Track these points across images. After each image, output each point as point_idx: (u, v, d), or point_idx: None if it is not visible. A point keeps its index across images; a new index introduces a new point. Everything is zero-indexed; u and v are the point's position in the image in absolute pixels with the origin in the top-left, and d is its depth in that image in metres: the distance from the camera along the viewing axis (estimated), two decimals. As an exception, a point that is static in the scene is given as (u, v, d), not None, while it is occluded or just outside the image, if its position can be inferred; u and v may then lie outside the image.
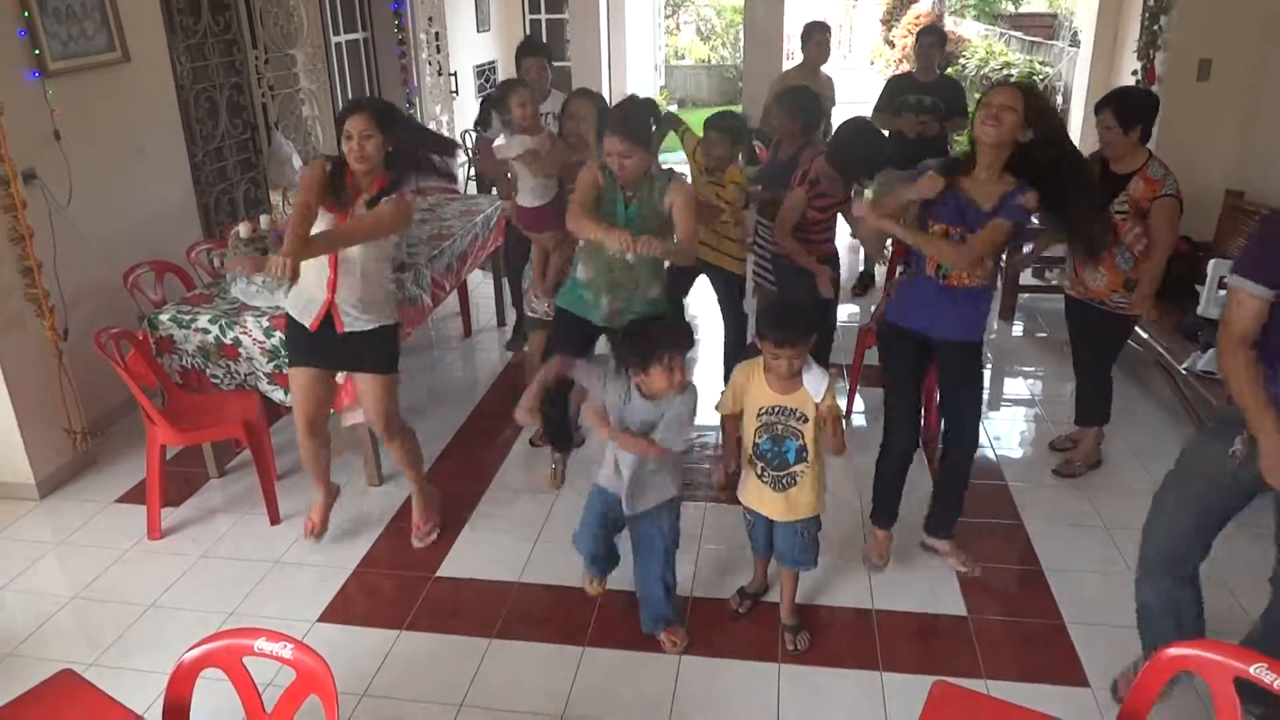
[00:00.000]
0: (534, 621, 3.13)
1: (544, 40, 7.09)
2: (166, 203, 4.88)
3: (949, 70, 11.41)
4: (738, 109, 5.66)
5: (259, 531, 3.67)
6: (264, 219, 3.94)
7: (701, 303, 4.81)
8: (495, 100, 4.40)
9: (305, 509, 3.59)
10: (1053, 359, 5.22)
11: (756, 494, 2.89)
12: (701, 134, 4.04)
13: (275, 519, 3.70)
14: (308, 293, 3.14)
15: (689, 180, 3.62)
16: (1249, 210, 4.78)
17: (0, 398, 3.75)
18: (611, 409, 2.73)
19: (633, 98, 3.44)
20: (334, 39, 6.98)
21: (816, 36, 5.76)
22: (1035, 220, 3.14)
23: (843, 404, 4.08)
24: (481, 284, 6.18)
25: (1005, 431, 4.50)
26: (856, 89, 12.41)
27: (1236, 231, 4.83)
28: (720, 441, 3.87)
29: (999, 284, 4.68)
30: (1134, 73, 6.32)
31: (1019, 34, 12.91)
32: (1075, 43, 9.34)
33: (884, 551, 3.32)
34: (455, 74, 8.68)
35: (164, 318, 3.73)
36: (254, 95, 5.86)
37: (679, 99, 16.24)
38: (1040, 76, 10.43)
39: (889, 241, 4.01)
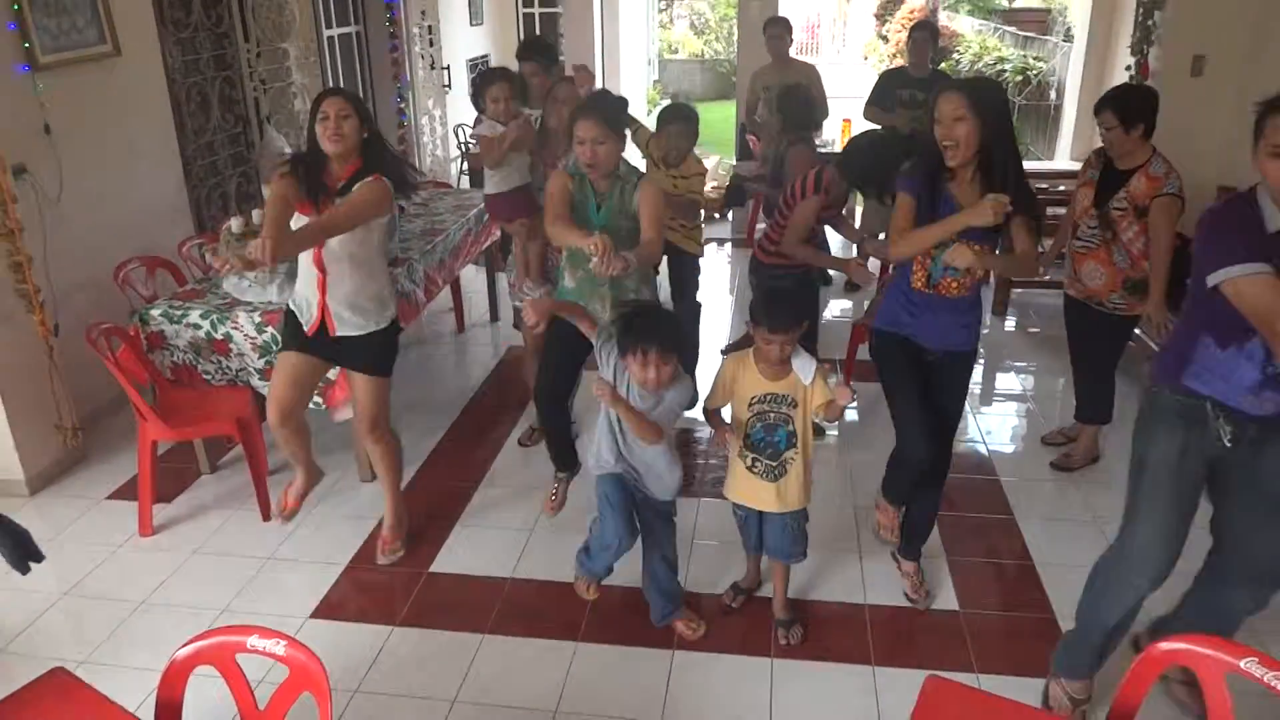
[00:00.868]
0: (527, 617, 3.13)
1: (543, 40, 7.03)
2: (158, 197, 4.86)
3: (943, 65, 11.44)
4: (729, 105, 5.76)
5: (251, 527, 3.66)
6: (256, 213, 3.92)
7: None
8: (477, 88, 4.38)
9: (299, 505, 3.58)
10: (1045, 354, 5.23)
11: (748, 487, 2.89)
12: (657, 128, 4.19)
13: (267, 515, 3.69)
14: (303, 295, 3.10)
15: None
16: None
17: (-10, 393, 3.73)
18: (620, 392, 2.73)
19: (604, 92, 3.43)
20: (326, 33, 6.96)
21: (769, 30, 6.01)
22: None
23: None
24: (475, 279, 6.16)
25: (998, 427, 4.51)
26: (850, 83, 12.42)
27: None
28: (712, 435, 3.88)
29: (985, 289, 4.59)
30: (1128, 68, 6.33)
31: (1013, 29, 12.91)
32: (1069, 38, 9.34)
33: (895, 527, 3.13)
34: (448, 68, 8.66)
35: (155, 313, 3.72)
36: (246, 89, 5.84)
37: (673, 93, 16.21)
38: (1034, 72, 10.43)
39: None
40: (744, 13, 7.50)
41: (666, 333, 2.62)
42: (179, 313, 3.70)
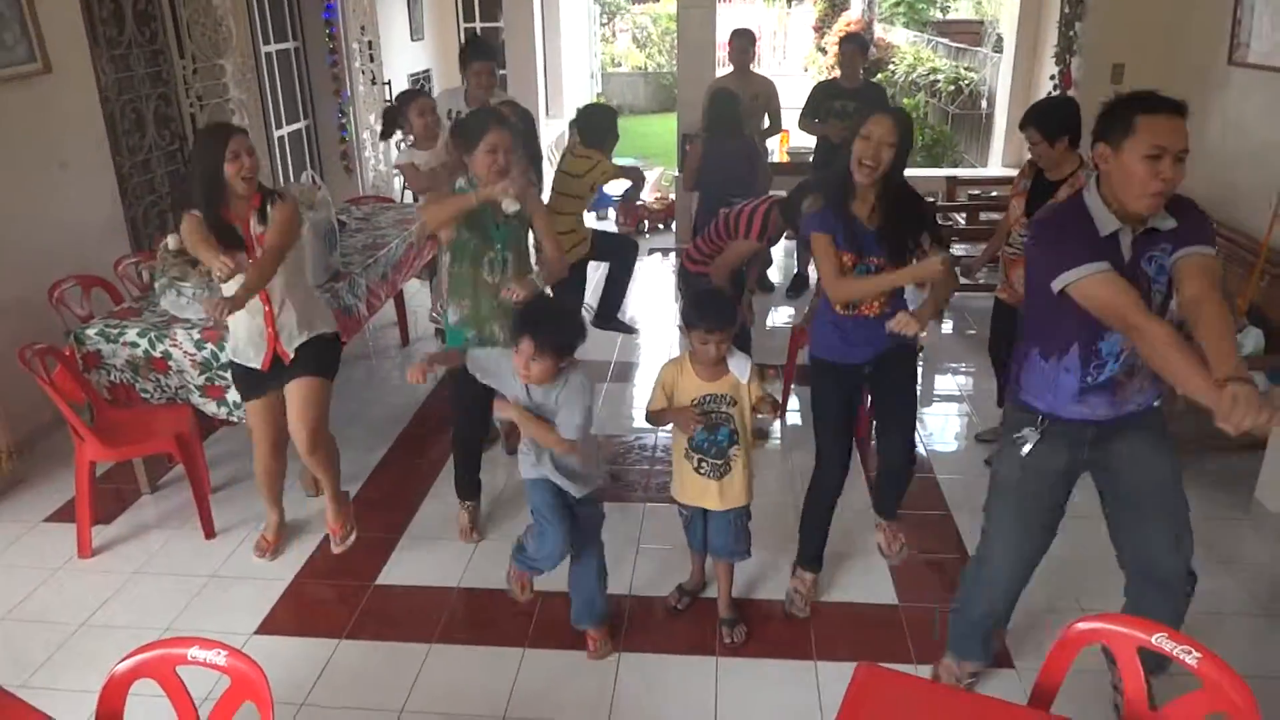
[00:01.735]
0: (474, 625, 3.15)
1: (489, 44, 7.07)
2: (93, 216, 4.79)
3: (878, 76, 11.67)
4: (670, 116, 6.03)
5: (194, 546, 3.62)
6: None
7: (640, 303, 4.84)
8: (395, 110, 4.43)
9: (241, 522, 3.56)
10: (981, 356, 5.35)
11: (695, 487, 2.94)
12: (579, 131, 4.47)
13: (210, 533, 3.66)
14: (246, 336, 3.22)
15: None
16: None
17: (-80, 418, 3.66)
18: (520, 396, 2.74)
19: (510, 102, 3.51)
20: (264, 48, 6.91)
21: (735, 42, 6.19)
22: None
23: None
24: (419, 293, 6.15)
25: (936, 427, 4.62)
26: (790, 95, 12.58)
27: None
28: (660, 440, 3.92)
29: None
30: (1051, 77, 6.54)
31: (946, 40, 13.19)
32: (1000, 49, 9.59)
33: (811, 595, 3.20)
34: (389, 83, 8.62)
35: (91, 332, 3.67)
36: (182, 106, 5.78)
37: (616, 105, 16.31)
38: (966, 82, 10.69)
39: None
40: (684, 26, 7.60)
41: (546, 326, 2.60)
42: (116, 331, 3.65)
